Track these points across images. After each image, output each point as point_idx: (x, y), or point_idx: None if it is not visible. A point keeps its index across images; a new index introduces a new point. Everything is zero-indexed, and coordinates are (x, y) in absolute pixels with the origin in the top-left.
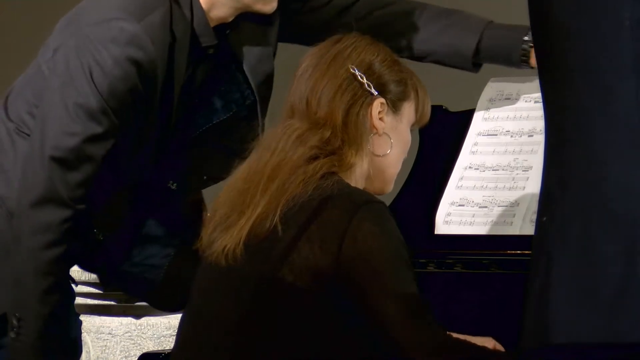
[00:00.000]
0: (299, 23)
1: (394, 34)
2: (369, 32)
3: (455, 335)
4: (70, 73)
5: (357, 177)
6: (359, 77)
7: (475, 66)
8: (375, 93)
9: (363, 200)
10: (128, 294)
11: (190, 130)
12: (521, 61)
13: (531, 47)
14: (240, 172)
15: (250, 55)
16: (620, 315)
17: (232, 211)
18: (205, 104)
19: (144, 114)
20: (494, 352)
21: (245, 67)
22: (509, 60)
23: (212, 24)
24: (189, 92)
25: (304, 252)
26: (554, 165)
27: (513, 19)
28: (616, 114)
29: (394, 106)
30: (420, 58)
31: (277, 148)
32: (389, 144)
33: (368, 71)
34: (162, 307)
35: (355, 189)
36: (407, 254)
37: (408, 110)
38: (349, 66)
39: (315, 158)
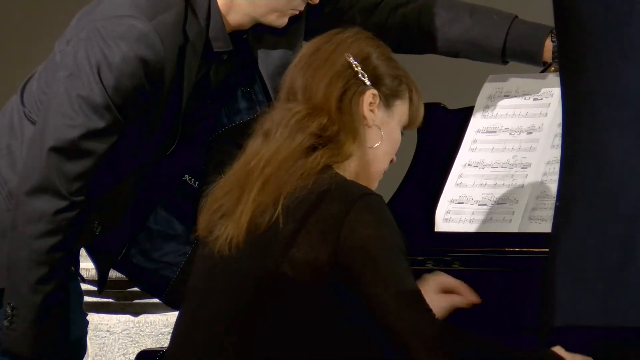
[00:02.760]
0: (325, 26)
1: (419, 33)
2: (394, 31)
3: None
4: (77, 65)
5: (351, 171)
6: (354, 66)
7: (505, 61)
8: (368, 83)
9: (360, 193)
10: (141, 289)
11: (213, 129)
12: (555, 60)
13: None
14: (240, 157)
15: (270, 62)
16: (615, 299)
17: (231, 196)
18: (230, 104)
19: (149, 112)
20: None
21: (263, 74)
22: (532, 59)
23: (228, 29)
24: (202, 94)
25: (303, 247)
26: (566, 148)
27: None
28: (622, 97)
29: (387, 101)
30: (450, 56)
31: (277, 133)
32: (379, 137)
33: (365, 62)
34: (173, 305)
35: (352, 182)
36: (403, 245)
37: (400, 109)
38: (346, 54)
39: (314, 149)
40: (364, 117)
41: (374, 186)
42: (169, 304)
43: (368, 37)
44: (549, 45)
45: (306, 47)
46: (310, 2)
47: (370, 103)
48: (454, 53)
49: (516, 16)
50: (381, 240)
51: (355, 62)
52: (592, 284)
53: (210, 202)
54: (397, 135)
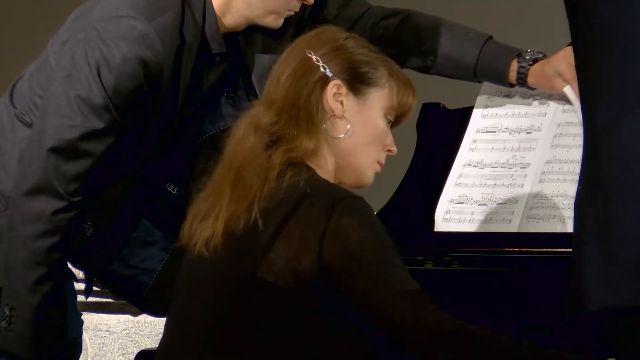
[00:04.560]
0: None
1: (397, 45)
2: (375, 42)
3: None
4: (76, 66)
5: (329, 169)
6: (314, 60)
7: (478, 80)
8: (329, 75)
9: (340, 197)
10: (116, 295)
11: (197, 135)
12: (518, 82)
13: (530, 66)
14: (217, 165)
15: (260, 65)
16: None
17: (207, 202)
18: (214, 110)
19: (146, 113)
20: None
21: (253, 77)
22: (500, 79)
23: (222, 31)
24: (195, 96)
25: (283, 252)
26: (586, 135)
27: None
28: (635, 79)
29: (355, 90)
30: (424, 70)
31: (238, 135)
32: (344, 126)
33: (329, 54)
34: (149, 311)
35: (332, 185)
36: (391, 241)
37: (376, 96)
38: (306, 50)
39: (269, 147)
40: (330, 109)
41: (366, 178)
42: (143, 310)
43: (336, 30)
44: (514, 66)
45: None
46: (305, 2)
47: (335, 94)
48: (428, 67)
49: (491, 36)
50: (366, 243)
51: (315, 57)
52: (622, 266)
53: (192, 210)
54: (377, 124)
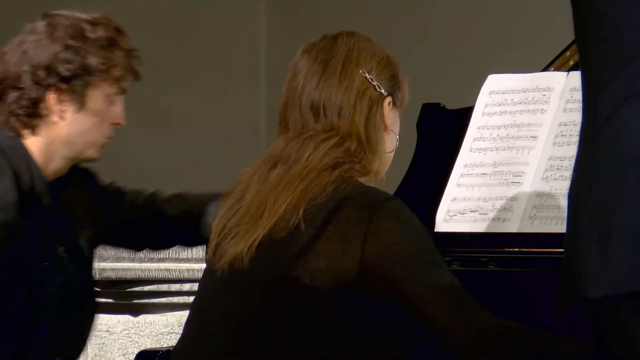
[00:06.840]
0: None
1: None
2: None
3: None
4: None
5: (370, 176)
6: (370, 80)
7: None
8: (385, 93)
9: (380, 199)
10: None
11: (39, 293)
12: None
13: None
14: (257, 180)
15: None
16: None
17: (250, 219)
18: (52, 266)
19: None
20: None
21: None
22: None
23: (49, 179)
24: (33, 252)
25: (323, 254)
26: (584, 123)
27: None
28: (634, 67)
29: (394, 98)
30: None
31: (303, 157)
32: (394, 139)
33: (374, 72)
34: None
35: (371, 188)
36: (432, 242)
37: (401, 99)
38: (361, 71)
39: (341, 164)
40: (384, 125)
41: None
42: None
43: (366, 40)
44: None
45: (306, 63)
46: (118, 125)
47: (388, 111)
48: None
49: None
50: (408, 244)
51: (370, 77)
52: (624, 252)
53: (220, 225)
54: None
